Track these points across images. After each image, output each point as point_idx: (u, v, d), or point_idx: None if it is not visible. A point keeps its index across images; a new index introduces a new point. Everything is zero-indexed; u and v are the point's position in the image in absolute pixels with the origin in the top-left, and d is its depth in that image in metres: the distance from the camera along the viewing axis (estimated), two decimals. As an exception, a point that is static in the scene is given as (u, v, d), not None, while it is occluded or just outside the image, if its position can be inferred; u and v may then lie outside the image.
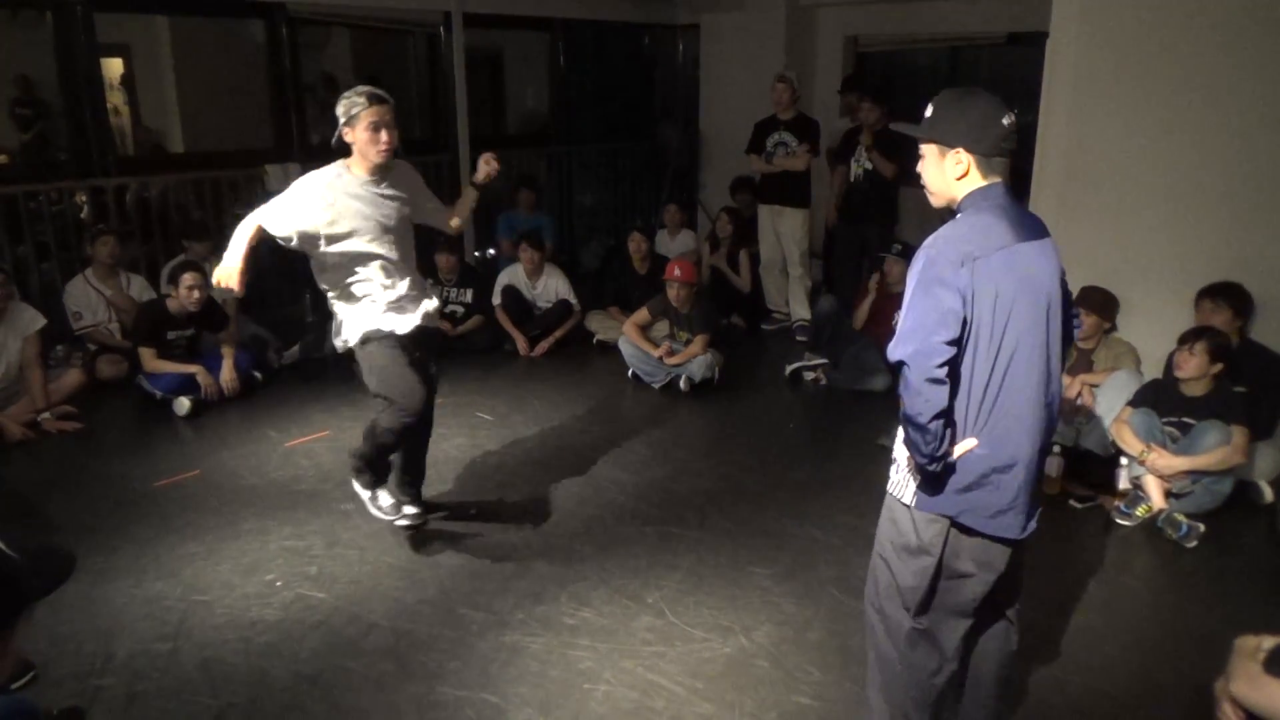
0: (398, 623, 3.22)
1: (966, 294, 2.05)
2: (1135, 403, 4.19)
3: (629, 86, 9.46)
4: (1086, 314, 4.61)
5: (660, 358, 5.68)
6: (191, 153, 7.96)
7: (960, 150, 2.13)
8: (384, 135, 3.24)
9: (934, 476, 2.18)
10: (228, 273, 3.24)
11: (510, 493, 4.22)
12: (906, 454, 2.23)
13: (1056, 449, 4.26)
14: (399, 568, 3.58)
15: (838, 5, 8.18)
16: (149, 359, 5.21)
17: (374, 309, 3.45)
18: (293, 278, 7.09)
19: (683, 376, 5.59)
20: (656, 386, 5.67)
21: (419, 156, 7.24)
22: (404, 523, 3.74)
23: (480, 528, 3.90)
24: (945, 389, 2.07)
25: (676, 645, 3.10)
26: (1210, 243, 4.46)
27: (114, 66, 8.49)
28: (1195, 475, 3.91)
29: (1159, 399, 4.14)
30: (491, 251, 7.76)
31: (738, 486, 4.33)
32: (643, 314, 5.87)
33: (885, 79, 8.46)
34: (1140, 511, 3.95)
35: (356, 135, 3.25)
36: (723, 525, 3.93)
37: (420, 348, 3.59)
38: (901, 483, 2.28)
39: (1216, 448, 3.87)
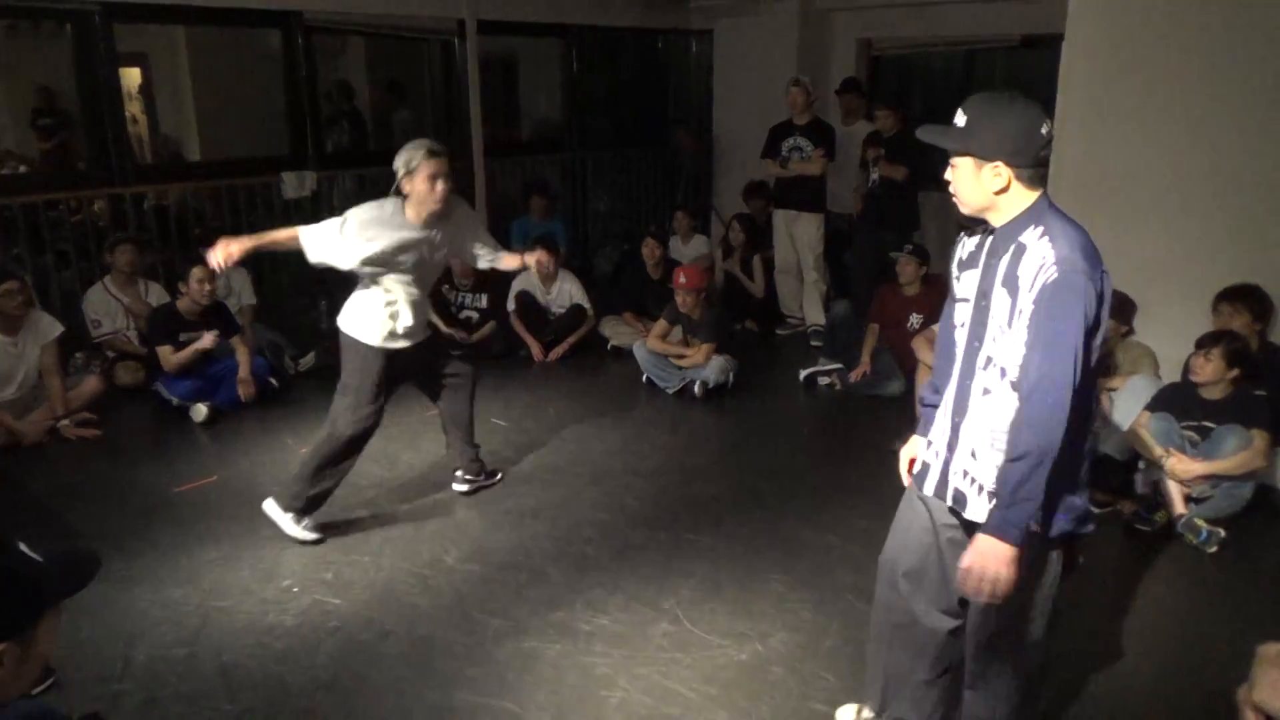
0: (414, 629, 3.23)
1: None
2: (1153, 407, 4.15)
3: (643, 92, 9.47)
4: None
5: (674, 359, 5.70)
6: (208, 161, 8.02)
7: (1000, 164, 1.99)
8: (439, 186, 3.51)
9: None
10: (229, 252, 3.42)
11: (524, 498, 4.23)
12: None
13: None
14: (414, 574, 3.59)
15: (851, 9, 8.17)
16: (167, 356, 5.20)
17: (379, 319, 3.70)
18: (308, 285, 7.15)
19: (697, 382, 5.59)
20: (670, 392, 5.67)
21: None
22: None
23: (495, 534, 3.91)
24: None
25: (692, 652, 3.09)
26: (1228, 245, 4.43)
27: (132, 76, 8.58)
28: (1215, 480, 3.87)
29: (1178, 403, 4.10)
30: None
31: (753, 492, 4.32)
32: (661, 325, 5.86)
33: (900, 83, 8.46)
34: (1159, 517, 3.91)
35: (415, 185, 3.51)
36: (738, 531, 3.93)
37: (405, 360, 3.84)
38: None
39: (1236, 452, 3.83)
